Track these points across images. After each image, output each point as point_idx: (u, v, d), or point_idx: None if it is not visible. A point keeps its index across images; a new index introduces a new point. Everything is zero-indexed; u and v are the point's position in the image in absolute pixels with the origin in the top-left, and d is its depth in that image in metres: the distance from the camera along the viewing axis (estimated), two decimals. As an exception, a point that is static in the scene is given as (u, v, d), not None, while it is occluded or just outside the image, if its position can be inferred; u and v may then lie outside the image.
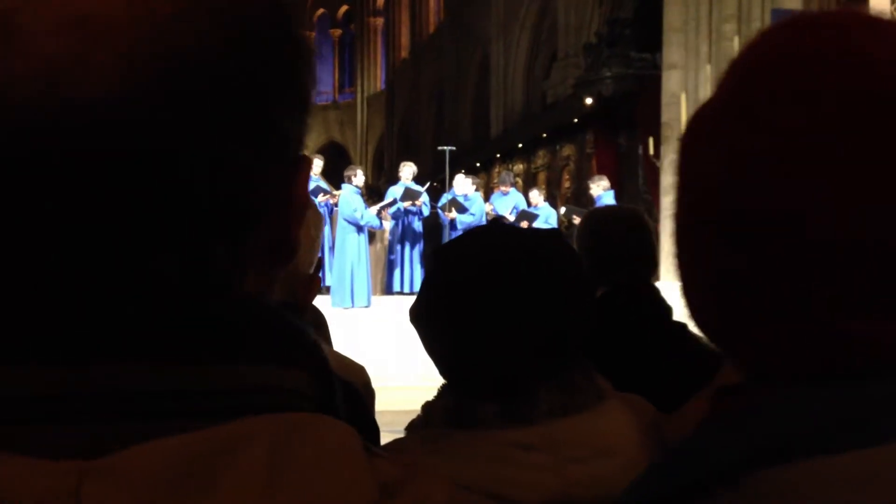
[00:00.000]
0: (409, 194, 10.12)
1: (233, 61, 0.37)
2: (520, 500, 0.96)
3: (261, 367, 0.38)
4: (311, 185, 9.73)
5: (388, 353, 6.69)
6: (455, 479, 0.53)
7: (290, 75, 0.40)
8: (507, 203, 10.83)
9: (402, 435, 1.09)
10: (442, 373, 1.06)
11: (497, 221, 1.21)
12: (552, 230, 1.08)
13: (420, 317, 1.04)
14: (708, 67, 10.26)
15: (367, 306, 9.32)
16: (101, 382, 0.35)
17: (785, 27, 0.50)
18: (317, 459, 0.36)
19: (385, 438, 1.16)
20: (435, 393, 1.09)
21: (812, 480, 0.42)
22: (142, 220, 0.35)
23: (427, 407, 1.06)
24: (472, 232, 1.09)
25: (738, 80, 0.51)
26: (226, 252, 0.39)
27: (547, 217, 10.62)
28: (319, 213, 1.28)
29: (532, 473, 0.97)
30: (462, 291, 1.00)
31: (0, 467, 0.33)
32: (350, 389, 1.25)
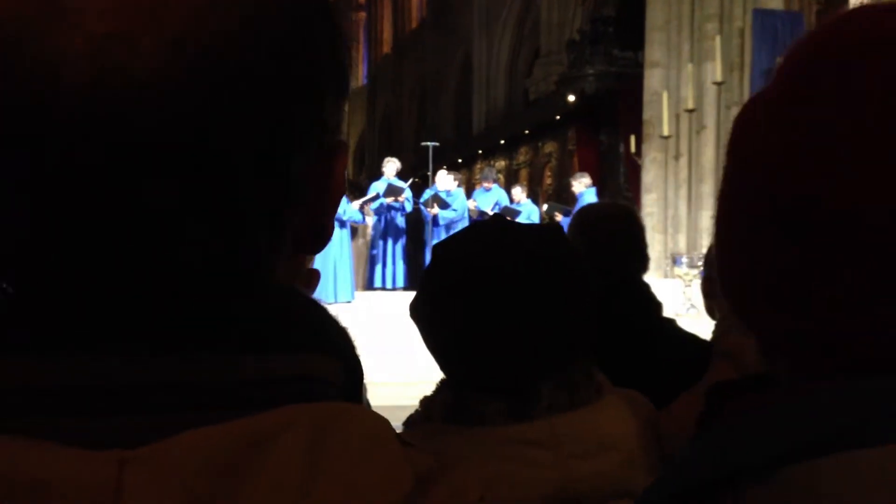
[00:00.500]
0: (391, 190, 10.11)
1: (277, 48, 0.37)
2: (521, 495, 0.96)
3: (295, 356, 0.38)
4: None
5: (371, 348, 6.67)
6: None
7: (331, 62, 0.41)
8: (490, 199, 10.84)
9: (397, 430, 1.08)
10: (442, 368, 1.05)
11: (499, 217, 1.20)
12: (553, 225, 1.08)
13: (421, 312, 1.03)
14: (690, 66, 10.31)
15: (349, 301, 9.31)
16: (136, 373, 0.35)
17: (848, 17, 0.49)
18: (354, 448, 0.36)
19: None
20: (423, 388, 1.09)
21: (842, 475, 0.42)
22: (179, 207, 0.35)
23: (426, 402, 1.06)
24: (474, 227, 1.08)
25: (799, 69, 0.50)
26: (265, 240, 0.39)
27: (529, 214, 10.64)
28: None
29: (533, 469, 0.97)
30: (463, 287, 0.99)
31: (41, 456, 0.33)
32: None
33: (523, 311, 0.98)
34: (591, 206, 2.23)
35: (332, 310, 0.43)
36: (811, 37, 0.51)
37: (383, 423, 0.38)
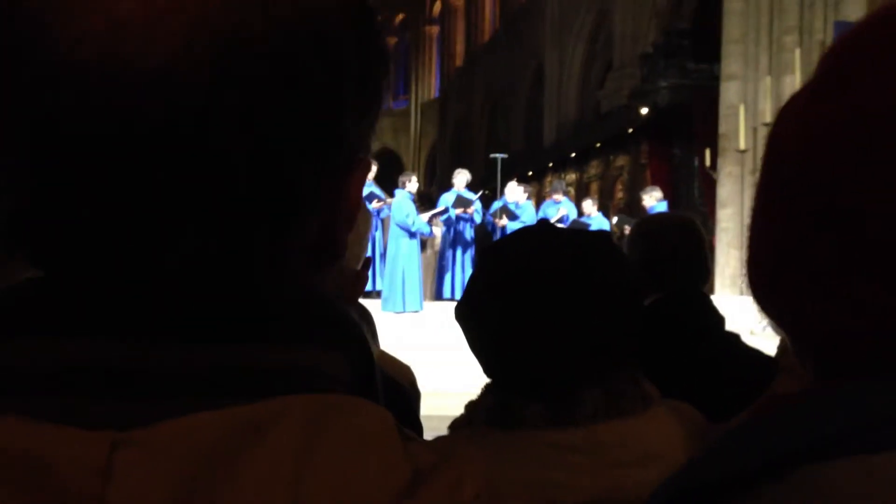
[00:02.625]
0: (461, 201, 10.14)
1: (299, 52, 0.36)
2: (560, 501, 0.95)
3: (298, 347, 0.38)
4: (365, 192, 9.88)
5: (439, 357, 6.69)
6: (496, 478, 0.53)
7: (358, 76, 0.40)
8: (558, 212, 10.77)
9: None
10: (486, 371, 1.05)
11: (545, 222, 1.17)
12: (601, 232, 1.07)
13: (465, 315, 1.04)
14: (768, 79, 10.06)
15: (418, 311, 9.35)
16: (135, 357, 0.36)
17: (887, 11, 0.48)
18: (349, 440, 0.35)
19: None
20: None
21: (859, 477, 0.40)
22: (184, 194, 0.35)
23: (470, 406, 1.06)
24: (520, 232, 1.08)
25: (836, 60, 0.49)
26: (268, 238, 0.38)
27: (599, 227, 10.52)
28: (368, 211, 1.29)
29: (573, 475, 0.96)
30: (508, 291, 0.99)
31: (36, 434, 0.33)
32: (395, 387, 1.26)
33: (565, 314, 0.97)
34: (652, 216, 2.19)
35: (343, 307, 0.43)
36: (851, 31, 0.50)
37: (382, 416, 0.38)
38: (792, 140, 0.50)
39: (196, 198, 0.36)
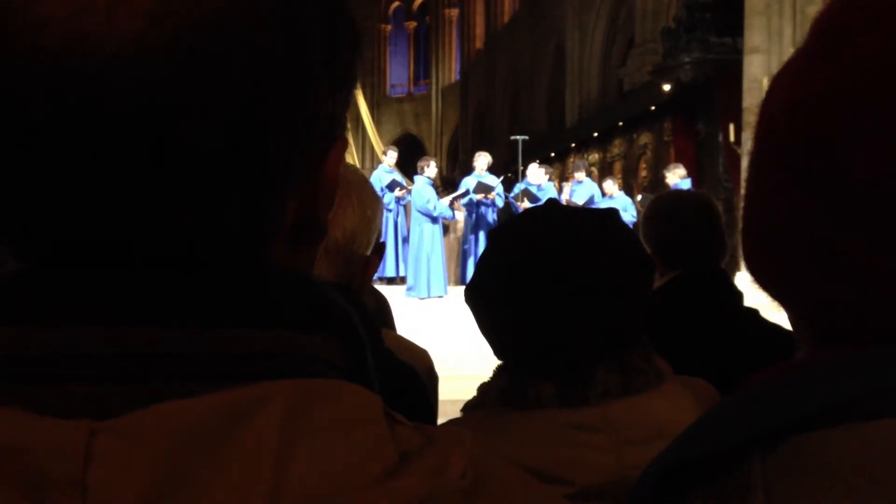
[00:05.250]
0: (481, 187, 10.11)
1: (265, 29, 0.36)
2: (576, 480, 0.95)
3: (282, 332, 0.37)
4: (387, 180, 9.96)
5: (464, 341, 6.71)
6: (510, 458, 0.53)
7: (328, 49, 0.40)
8: (583, 193, 10.70)
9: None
10: (496, 353, 1.05)
11: (553, 201, 1.17)
12: (609, 209, 1.06)
13: (476, 295, 1.04)
14: (792, 51, 9.88)
15: (442, 296, 9.36)
16: (114, 343, 0.35)
17: None
18: (333, 424, 0.35)
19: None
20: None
21: (852, 445, 0.40)
22: (156, 177, 0.35)
23: (483, 388, 1.06)
24: (529, 212, 1.08)
25: (825, 24, 0.48)
26: (245, 219, 0.38)
27: (624, 206, 10.44)
28: (377, 195, 1.28)
29: (589, 454, 0.96)
30: (518, 270, 0.99)
31: (12, 423, 0.33)
32: (409, 372, 1.26)
33: (575, 293, 0.97)
34: (665, 194, 2.18)
35: (331, 290, 0.42)
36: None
37: (368, 399, 0.37)
38: (782, 106, 0.49)
39: (168, 180, 0.36)
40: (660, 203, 1.91)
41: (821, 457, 0.41)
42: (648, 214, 1.90)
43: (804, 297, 0.48)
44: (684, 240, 1.79)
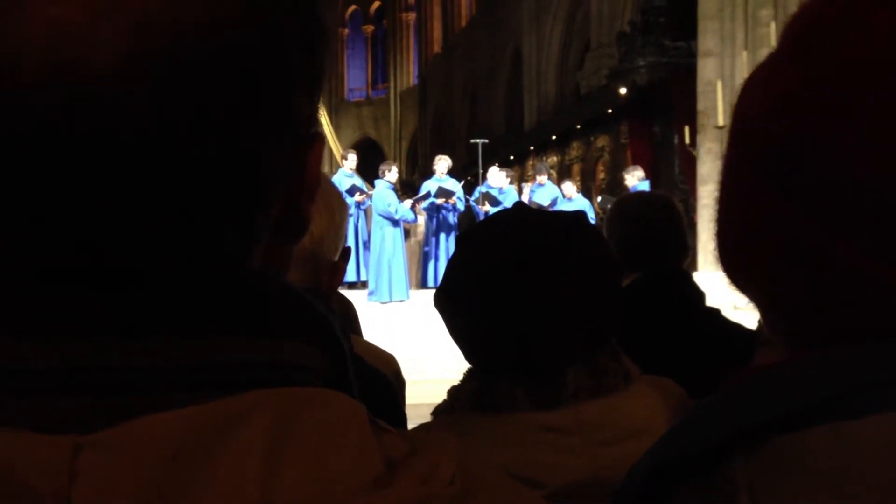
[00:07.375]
0: (442, 192, 10.12)
1: (243, 37, 0.36)
2: (548, 482, 0.96)
3: (266, 341, 0.37)
4: (347, 184, 9.91)
5: (426, 345, 6.71)
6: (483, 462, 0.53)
7: (305, 54, 0.40)
8: (546, 195, 10.77)
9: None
10: (466, 356, 1.05)
11: (521, 204, 1.18)
12: (577, 212, 1.07)
13: (445, 300, 1.04)
14: (744, 54, 10.08)
15: (404, 300, 9.34)
16: (98, 356, 0.35)
17: None
18: (320, 433, 0.35)
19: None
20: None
21: (830, 445, 0.41)
22: (143, 194, 0.35)
23: (453, 391, 1.06)
24: (497, 215, 1.08)
25: (796, 27, 0.49)
26: (235, 227, 0.38)
27: (582, 209, 10.52)
28: (344, 201, 1.28)
29: (560, 456, 0.96)
30: (486, 274, 0.99)
31: None
32: (378, 377, 1.25)
33: (543, 294, 0.97)
34: (628, 196, 2.20)
35: (311, 298, 0.42)
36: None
37: (354, 408, 0.37)
38: (756, 109, 0.50)
39: (155, 193, 0.35)
40: (623, 205, 1.93)
41: (804, 456, 0.41)
42: (612, 216, 1.92)
43: (781, 297, 0.48)
44: (648, 241, 1.81)
